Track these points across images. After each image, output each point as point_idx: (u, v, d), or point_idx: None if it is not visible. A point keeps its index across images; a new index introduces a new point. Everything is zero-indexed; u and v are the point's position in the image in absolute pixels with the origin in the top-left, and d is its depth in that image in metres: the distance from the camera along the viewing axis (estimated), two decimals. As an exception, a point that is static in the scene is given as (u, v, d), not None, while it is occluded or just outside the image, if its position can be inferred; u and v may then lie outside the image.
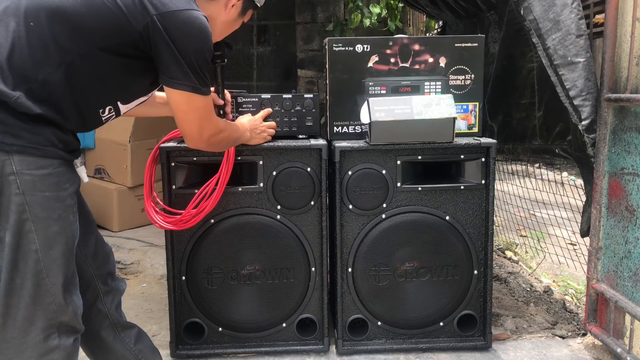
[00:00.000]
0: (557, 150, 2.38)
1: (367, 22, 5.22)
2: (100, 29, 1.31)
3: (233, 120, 2.01)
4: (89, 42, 1.31)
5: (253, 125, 1.98)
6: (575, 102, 2.05)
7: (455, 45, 2.14)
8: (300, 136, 2.12)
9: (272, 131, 2.06)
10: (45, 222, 1.30)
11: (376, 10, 5.22)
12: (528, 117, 2.58)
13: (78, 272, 1.43)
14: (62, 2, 1.29)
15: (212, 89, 1.90)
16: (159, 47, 1.33)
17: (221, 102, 1.92)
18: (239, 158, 2.01)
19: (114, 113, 1.46)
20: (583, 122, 2.06)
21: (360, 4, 5.22)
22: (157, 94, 1.77)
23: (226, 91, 1.96)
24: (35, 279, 1.30)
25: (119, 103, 1.45)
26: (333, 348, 2.19)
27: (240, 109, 2.08)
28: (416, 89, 2.13)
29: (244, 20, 1.68)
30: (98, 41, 1.31)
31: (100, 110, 1.42)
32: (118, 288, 1.64)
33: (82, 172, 1.43)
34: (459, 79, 2.15)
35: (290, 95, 2.11)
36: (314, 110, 2.12)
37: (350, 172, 2.06)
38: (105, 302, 1.59)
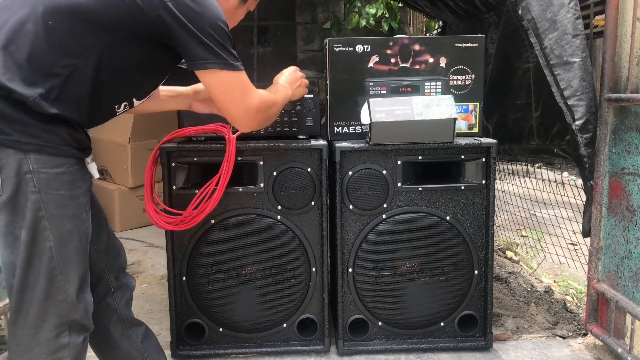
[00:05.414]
0: (555, 150, 2.38)
1: (363, 22, 5.23)
2: (116, 23, 1.31)
3: None
4: (105, 39, 1.32)
5: (293, 78, 1.93)
6: (570, 102, 2.05)
7: (456, 45, 2.14)
8: (301, 136, 2.12)
9: (307, 82, 2.00)
10: (60, 220, 1.31)
11: (372, 10, 5.24)
12: (525, 117, 2.58)
13: (90, 267, 1.44)
14: (78, 0, 1.30)
15: None
16: (178, 32, 1.33)
17: None
18: (240, 158, 2.01)
19: (128, 108, 1.48)
20: (577, 122, 2.06)
21: (359, 5, 5.23)
22: (161, 88, 1.77)
23: None
24: (48, 276, 1.31)
25: (134, 99, 1.47)
26: (334, 348, 2.19)
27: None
28: (416, 89, 2.13)
29: (249, 8, 1.64)
30: (115, 36, 1.32)
31: (116, 106, 1.44)
32: (128, 284, 1.64)
33: (92, 168, 1.44)
34: (459, 79, 2.15)
35: (290, 96, 2.11)
36: (314, 111, 2.12)
37: (350, 173, 2.07)
38: (115, 297, 1.60)
